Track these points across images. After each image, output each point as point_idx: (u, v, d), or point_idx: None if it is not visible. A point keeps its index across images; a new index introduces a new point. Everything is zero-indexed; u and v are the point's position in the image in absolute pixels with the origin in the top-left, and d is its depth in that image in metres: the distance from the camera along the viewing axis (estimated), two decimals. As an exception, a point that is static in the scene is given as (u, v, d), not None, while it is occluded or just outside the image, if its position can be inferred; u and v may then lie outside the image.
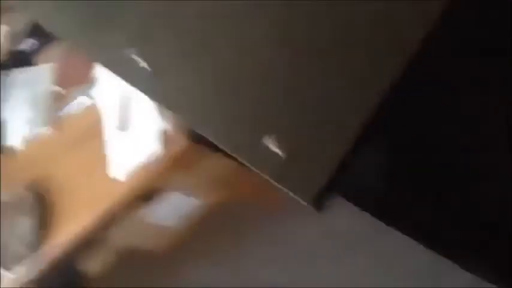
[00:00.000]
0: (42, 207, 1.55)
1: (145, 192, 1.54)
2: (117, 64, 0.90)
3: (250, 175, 1.62)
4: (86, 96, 1.58)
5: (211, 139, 0.78)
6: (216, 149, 1.47)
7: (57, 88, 1.66)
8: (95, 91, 1.55)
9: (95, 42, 0.95)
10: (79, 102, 1.59)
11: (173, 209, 1.73)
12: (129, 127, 1.45)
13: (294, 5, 0.74)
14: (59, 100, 1.64)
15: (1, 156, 1.71)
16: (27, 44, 1.75)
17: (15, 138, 1.70)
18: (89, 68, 1.58)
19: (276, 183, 0.70)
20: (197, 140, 1.40)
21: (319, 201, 0.67)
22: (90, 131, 1.54)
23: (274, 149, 0.69)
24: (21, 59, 1.75)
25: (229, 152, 0.76)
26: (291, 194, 0.68)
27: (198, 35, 0.83)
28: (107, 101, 1.51)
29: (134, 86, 0.87)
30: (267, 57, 0.76)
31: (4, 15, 1.84)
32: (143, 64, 0.84)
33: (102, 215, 1.49)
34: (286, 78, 0.73)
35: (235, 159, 1.54)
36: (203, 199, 1.72)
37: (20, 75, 1.75)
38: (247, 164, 0.74)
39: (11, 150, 1.70)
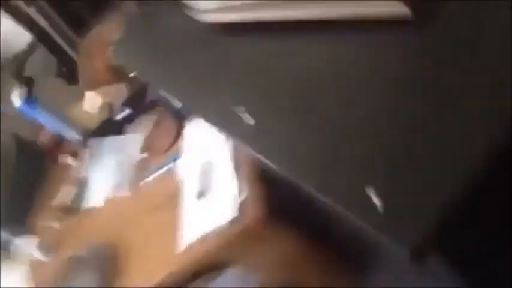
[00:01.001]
0: (110, 264, 1.61)
1: (211, 263, 1.57)
2: (224, 121, 0.98)
3: (316, 259, 1.64)
4: (169, 165, 1.67)
5: (310, 189, 0.82)
6: (287, 224, 1.51)
7: (143, 156, 1.78)
8: (179, 160, 1.65)
9: (203, 101, 1.04)
10: (162, 170, 1.69)
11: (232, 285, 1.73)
12: (207, 195, 1.52)
13: (400, 60, 0.79)
14: (143, 167, 1.75)
15: (81, 214, 1.81)
16: (122, 113, 1.89)
17: (97, 199, 1.80)
18: (175, 138, 1.70)
19: (375, 235, 0.72)
20: (273, 211, 1.45)
21: (420, 256, 0.66)
22: (168, 198, 1.61)
23: (375, 199, 0.72)
24: (115, 127, 1.89)
25: (328, 203, 0.79)
26: (390, 246, 0.69)
27: (301, 90, 0.89)
28: (188, 170, 1.60)
29: (241, 142, 0.94)
30: (369, 109, 0.80)
31: (101, 88, 2.02)
32: (250, 120, 0.91)
33: (162, 282, 1.52)
34: (388, 126, 0.76)
35: (303, 239, 1.57)
36: (264, 279, 1.73)
37: (110, 142, 1.89)
38: (348, 214, 0.76)
39: (91, 210, 1.81)
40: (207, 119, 1.05)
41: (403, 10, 0.76)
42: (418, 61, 0.78)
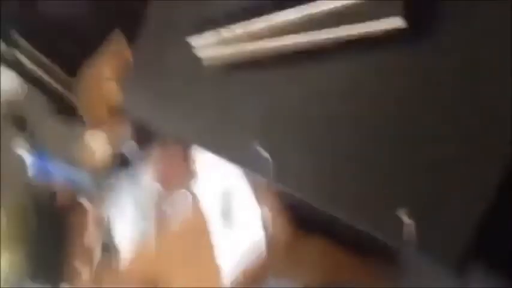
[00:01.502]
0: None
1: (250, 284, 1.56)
2: (241, 156, 0.97)
3: (349, 258, 1.62)
4: (187, 194, 1.65)
5: (339, 216, 0.81)
6: (316, 231, 1.50)
7: (159, 188, 1.75)
8: (196, 188, 1.63)
9: (218, 138, 1.03)
10: (181, 200, 1.67)
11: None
12: (232, 220, 1.50)
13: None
14: (162, 199, 1.73)
15: (109, 256, 1.80)
16: (128, 147, 1.86)
17: (122, 239, 1.79)
18: (189, 166, 1.68)
19: (415, 252, 0.71)
20: (299, 224, 1.43)
21: (462, 267, 0.68)
22: (194, 226, 1.60)
23: (407, 219, 0.71)
24: (123, 162, 1.87)
25: (360, 228, 0.78)
26: (431, 262, 0.69)
27: (317, 119, 0.89)
28: (208, 197, 1.58)
29: (260, 175, 0.93)
30: (383, 128, 0.80)
31: (104, 124, 2.00)
32: (266, 154, 0.90)
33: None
34: (411, 143, 0.76)
35: (334, 242, 1.55)
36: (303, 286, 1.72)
37: (123, 178, 1.87)
38: (381, 238, 0.76)
39: (118, 251, 1.79)
40: (223, 156, 1.04)
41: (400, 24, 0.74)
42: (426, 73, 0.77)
